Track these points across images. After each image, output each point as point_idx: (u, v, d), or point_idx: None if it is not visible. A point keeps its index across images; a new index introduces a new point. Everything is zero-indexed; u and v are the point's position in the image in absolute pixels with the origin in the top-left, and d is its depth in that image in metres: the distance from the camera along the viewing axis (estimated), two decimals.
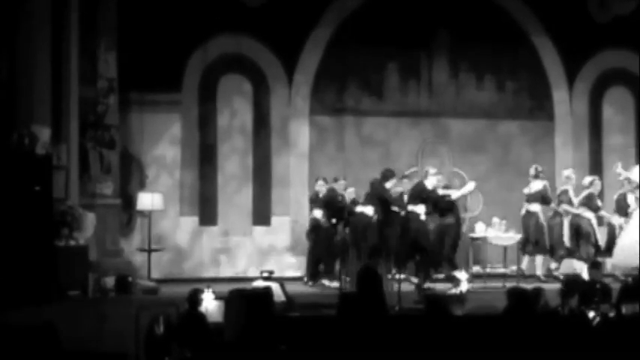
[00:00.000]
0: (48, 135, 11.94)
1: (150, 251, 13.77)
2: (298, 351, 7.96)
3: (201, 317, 9.20)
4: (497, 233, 13.96)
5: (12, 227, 11.16)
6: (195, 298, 9.44)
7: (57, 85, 12.57)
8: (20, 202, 11.27)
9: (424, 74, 15.66)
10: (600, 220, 14.43)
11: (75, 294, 11.82)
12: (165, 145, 14.82)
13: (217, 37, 14.95)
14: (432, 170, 14.20)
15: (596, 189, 14.42)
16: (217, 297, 10.00)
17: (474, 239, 14.18)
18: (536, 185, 14.35)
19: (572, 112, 16.02)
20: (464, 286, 12.10)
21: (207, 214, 14.88)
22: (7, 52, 12.04)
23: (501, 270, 13.87)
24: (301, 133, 15.28)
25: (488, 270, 13.83)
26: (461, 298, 11.71)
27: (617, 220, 14.32)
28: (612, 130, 16.19)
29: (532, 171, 14.45)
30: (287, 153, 15.22)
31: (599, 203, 14.42)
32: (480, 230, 14.08)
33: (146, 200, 14.02)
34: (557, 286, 10.36)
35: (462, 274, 12.45)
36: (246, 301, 8.64)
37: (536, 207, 14.27)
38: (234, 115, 15.18)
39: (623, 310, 9.23)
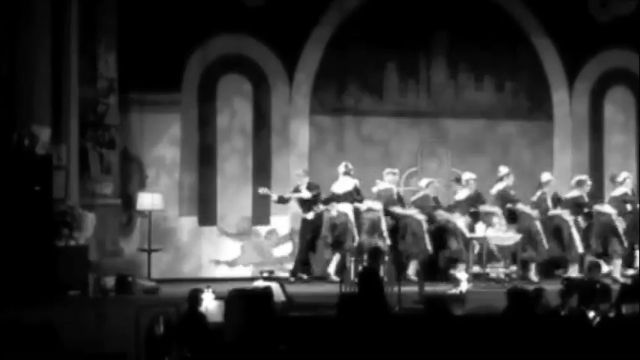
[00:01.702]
0: (48, 135, 11.95)
1: (150, 251, 13.77)
2: (298, 351, 7.96)
3: (201, 317, 9.20)
4: (497, 233, 13.95)
5: (12, 227, 11.17)
6: (195, 298, 9.44)
7: (57, 85, 12.57)
8: (20, 202, 11.28)
9: (423, 74, 15.66)
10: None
11: (75, 294, 11.82)
12: (164, 145, 14.82)
13: (217, 37, 14.95)
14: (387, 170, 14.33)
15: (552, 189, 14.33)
16: (217, 297, 10.00)
17: (474, 239, 14.17)
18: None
19: (571, 113, 16.03)
20: (464, 286, 12.11)
21: (207, 214, 14.88)
22: (7, 52, 12.04)
23: (501, 270, 13.87)
24: (301, 132, 15.29)
25: (488, 270, 13.81)
26: (461, 298, 11.72)
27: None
28: (613, 130, 16.19)
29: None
30: (287, 153, 15.22)
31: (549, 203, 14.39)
32: (479, 230, 14.08)
33: (146, 200, 14.02)
34: (557, 286, 10.35)
35: (462, 274, 12.45)
36: (246, 301, 8.63)
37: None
38: (234, 115, 15.18)
39: (623, 310, 9.23)
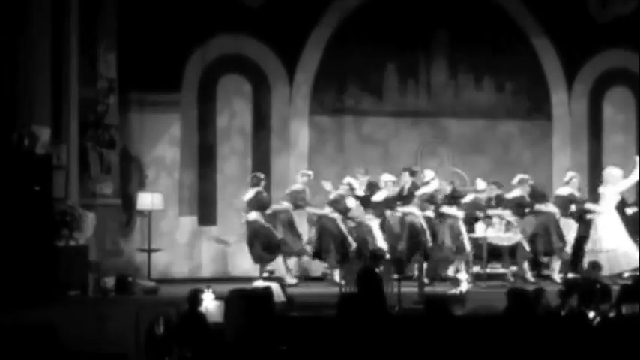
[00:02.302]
0: (48, 135, 11.94)
1: (150, 251, 13.77)
2: (298, 351, 7.96)
3: (201, 317, 9.20)
4: (497, 233, 13.95)
5: (12, 227, 11.16)
6: (195, 298, 9.45)
7: (57, 85, 12.57)
8: (20, 202, 11.27)
9: (423, 75, 15.67)
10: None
11: (75, 294, 11.82)
12: (164, 146, 14.82)
13: (217, 37, 14.96)
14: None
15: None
16: (217, 297, 10.00)
17: (473, 239, 14.17)
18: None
19: (570, 113, 16.03)
20: (464, 286, 12.11)
21: (207, 215, 14.87)
22: (8, 53, 12.04)
23: (501, 270, 13.88)
24: (301, 133, 15.29)
25: (488, 270, 13.81)
26: (461, 298, 11.72)
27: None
28: (613, 131, 16.19)
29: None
30: (287, 153, 15.22)
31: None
32: (479, 230, 14.08)
33: (146, 200, 14.02)
34: (557, 286, 10.36)
35: (462, 274, 12.45)
36: (246, 301, 8.64)
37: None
38: (234, 115, 15.18)
39: (623, 310, 9.24)
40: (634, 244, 13.88)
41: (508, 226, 13.81)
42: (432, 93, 15.68)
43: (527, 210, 14.14)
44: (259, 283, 11.44)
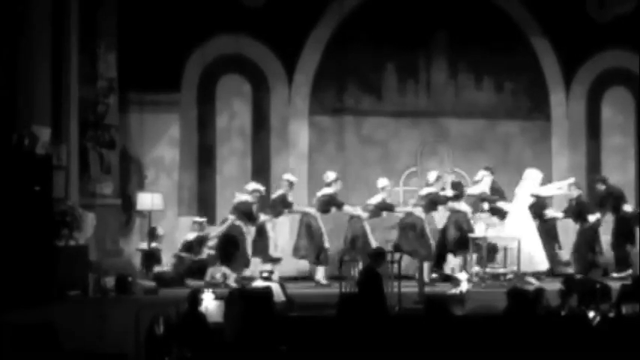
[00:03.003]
0: (48, 135, 11.93)
1: (150, 251, 13.77)
2: (298, 351, 7.97)
3: (201, 317, 9.20)
4: (497, 233, 13.95)
5: (12, 227, 11.15)
6: (195, 298, 9.45)
7: (57, 85, 12.56)
8: (20, 202, 11.26)
9: (423, 75, 15.66)
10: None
11: (75, 294, 11.81)
12: (164, 146, 14.82)
13: (217, 38, 14.96)
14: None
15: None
16: (217, 297, 10.01)
17: (473, 239, 14.17)
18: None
19: (568, 114, 16.03)
20: (464, 286, 12.11)
21: (206, 215, 14.86)
22: (8, 53, 12.03)
23: (501, 270, 13.87)
24: (301, 133, 15.29)
25: (488, 270, 13.80)
26: (461, 298, 11.71)
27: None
28: (611, 131, 16.18)
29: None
30: (286, 154, 15.22)
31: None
32: (479, 230, 14.08)
33: (146, 200, 14.01)
34: (557, 286, 10.35)
35: (462, 274, 12.45)
36: (246, 301, 8.65)
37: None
38: (234, 115, 15.18)
39: (623, 310, 9.23)
40: (542, 246, 13.88)
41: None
42: (431, 93, 15.67)
43: (439, 207, 14.15)
44: (259, 283, 11.43)
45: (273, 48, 15.10)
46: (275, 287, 10.89)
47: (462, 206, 14.22)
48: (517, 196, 14.11)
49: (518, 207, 13.97)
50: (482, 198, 14.24)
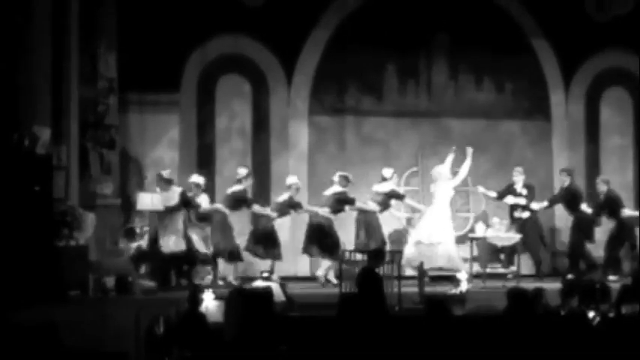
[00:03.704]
0: (48, 135, 11.95)
1: (150, 251, 13.76)
2: (298, 351, 7.96)
3: (201, 317, 9.20)
4: (497, 233, 13.96)
5: (12, 227, 11.16)
6: (195, 298, 9.45)
7: (57, 85, 12.58)
8: (20, 202, 11.27)
9: (423, 76, 15.67)
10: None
11: (75, 294, 11.82)
12: (163, 146, 14.82)
13: (216, 38, 14.96)
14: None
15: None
16: (217, 297, 10.00)
17: (473, 239, 14.18)
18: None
19: (568, 114, 16.04)
20: (464, 286, 12.11)
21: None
22: (8, 53, 12.04)
23: (501, 270, 13.89)
24: (300, 134, 15.29)
25: (488, 270, 13.82)
26: (461, 298, 11.72)
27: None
28: (610, 132, 16.19)
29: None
30: (286, 154, 15.22)
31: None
32: (479, 230, 14.09)
33: (146, 200, 14.00)
34: (557, 285, 10.36)
35: (462, 274, 12.46)
36: (246, 301, 8.64)
37: None
38: (233, 115, 15.18)
39: (623, 310, 9.23)
40: (455, 245, 13.97)
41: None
42: (432, 93, 15.69)
43: (346, 207, 14.11)
44: (259, 283, 11.43)
45: (273, 48, 15.11)
46: (275, 287, 10.89)
47: (370, 206, 14.12)
48: (435, 194, 14.14)
49: (437, 203, 13.96)
50: (390, 195, 14.20)
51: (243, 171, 14.10)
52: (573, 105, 16.05)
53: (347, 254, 12.84)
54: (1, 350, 7.92)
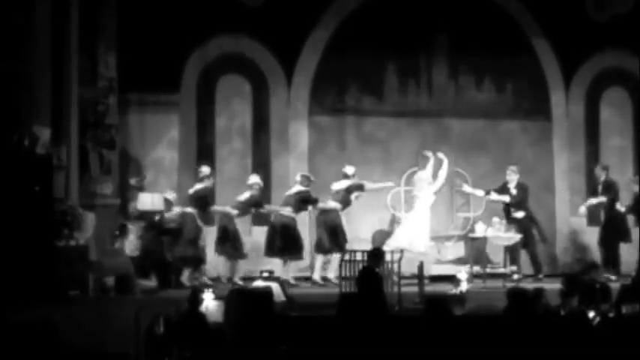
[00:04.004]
0: (48, 135, 11.95)
1: (150, 251, 13.76)
2: (298, 351, 7.96)
3: (201, 317, 9.19)
4: (497, 233, 13.96)
5: (12, 227, 11.17)
6: (195, 298, 9.45)
7: (57, 85, 12.58)
8: (20, 202, 11.27)
9: (424, 76, 15.66)
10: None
11: (75, 294, 11.83)
12: (163, 147, 14.81)
13: (216, 38, 14.95)
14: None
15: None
16: (217, 297, 10.00)
17: (473, 239, 14.18)
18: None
19: (568, 114, 16.03)
20: (464, 286, 12.11)
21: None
22: (8, 53, 12.04)
23: (501, 270, 13.89)
24: (301, 134, 15.28)
25: (488, 270, 13.82)
26: (461, 298, 11.72)
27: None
28: (609, 132, 16.18)
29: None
30: (286, 154, 15.21)
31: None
32: (479, 230, 14.08)
33: (146, 200, 14.00)
34: (557, 285, 10.35)
35: (462, 274, 12.46)
36: (246, 301, 8.64)
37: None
38: (234, 115, 15.17)
39: (623, 310, 9.23)
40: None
41: None
42: (432, 93, 15.67)
43: (309, 206, 14.09)
44: (259, 283, 11.43)
45: (273, 48, 15.10)
46: (275, 287, 10.89)
47: (331, 204, 14.09)
48: (417, 198, 14.16)
49: (417, 212, 14.00)
50: (349, 190, 14.18)
51: (206, 169, 14.04)
52: (574, 105, 16.04)
53: (347, 254, 12.85)
54: (1, 349, 7.93)
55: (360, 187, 14.33)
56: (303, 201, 14.10)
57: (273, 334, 8.12)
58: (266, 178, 14.89)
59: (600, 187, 14.82)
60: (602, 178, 14.83)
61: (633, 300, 9.33)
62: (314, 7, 15.14)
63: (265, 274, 11.99)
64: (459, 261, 14.63)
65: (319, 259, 14.12)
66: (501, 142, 15.76)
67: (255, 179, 14.13)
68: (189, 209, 13.93)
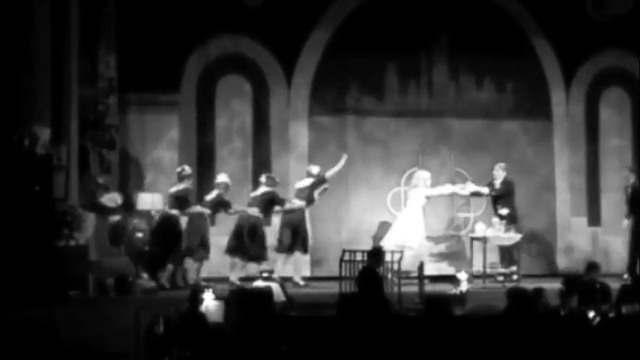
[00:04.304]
0: (48, 135, 11.95)
1: (150, 251, 13.77)
2: (298, 351, 7.96)
3: (201, 317, 9.19)
4: (497, 233, 13.96)
5: (12, 227, 11.17)
6: (195, 298, 9.45)
7: (57, 85, 12.58)
8: (20, 202, 11.27)
9: (424, 76, 15.66)
10: None
11: (75, 294, 11.83)
12: (163, 147, 14.81)
13: (216, 38, 14.96)
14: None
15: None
16: (217, 297, 10.00)
17: (474, 239, 14.18)
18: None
19: (569, 113, 16.03)
20: (464, 286, 12.11)
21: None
22: (8, 53, 12.04)
23: (501, 270, 13.89)
24: (301, 134, 15.28)
25: (488, 270, 13.81)
26: (461, 298, 11.71)
27: None
28: (609, 132, 16.18)
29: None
30: (287, 154, 15.21)
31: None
32: (479, 230, 14.08)
33: (146, 200, 14.00)
34: (557, 285, 10.36)
35: (462, 274, 12.45)
36: (246, 301, 8.63)
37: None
38: (234, 116, 15.17)
39: (623, 310, 9.23)
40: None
41: None
42: (433, 93, 15.68)
43: (276, 207, 14.04)
44: (259, 283, 11.43)
45: (273, 49, 15.10)
46: (275, 287, 10.88)
47: (297, 204, 14.04)
48: (409, 197, 14.16)
49: (411, 207, 13.99)
50: (313, 187, 14.09)
51: (188, 169, 13.88)
52: (574, 104, 16.05)
53: (347, 254, 12.85)
54: (1, 349, 7.93)
55: (322, 181, 14.18)
56: (269, 202, 13.99)
57: (273, 334, 8.12)
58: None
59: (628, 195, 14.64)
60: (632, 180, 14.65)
61: (633, 300, 9.34)
62: (314, 7, 15.14)
63: (265, 274, 11.98)
64: (452, 256, 14.63)
65: (280, 258, 14.01)
66: (502, 142, 15.76)
67: (222, 178, 13.94)
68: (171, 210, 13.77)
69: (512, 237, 13.99)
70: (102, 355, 9.24)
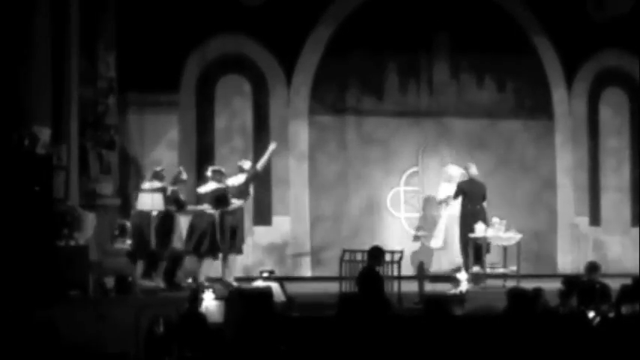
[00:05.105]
0: (48, 135, 11.95)
1: (151, 252, 13.75)
2: (298, 351, 7.97)
3: (201, 317, 9.20)
4: (497, 233, 13.94)
5: (12, 227, 11.17)
6: (195, 298, 9.45)
7: (57, 85, 12.58)
8: (20, 202, 11.27)
9: (424, 75, 15.66)
10: None
11: (75, 294, 11.82)
12: (163, 147, 14.81)
13: (216, 38, 14.95)
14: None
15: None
16: (217, 297, 10.01)
17: (473, 239, 14.16)
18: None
19: (570, 112, 16.03)
20: (464, 286, 12.11)
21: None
22: (8, 53, 12.04)
23: (501, 270, 13.87)
24: (301, 133, 15.28)
25: (488, 270, 13.80)
26: (461, 298, 11.72)
27: None
28: (608, 132, 16.18)
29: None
30: (286, 154, 15.21)
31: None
32: (479, 230, 14.07)
33: (146, 200, 13.98)
34: (557, 285, 10.36)
35: (462, 274, 12.45)
36: (246, 301, 8.64)
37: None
38: (234, 115, 15.17)
39: (623, 310, 9.23)
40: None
41: None
42: (433, 92, 15.68)
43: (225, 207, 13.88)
44: (259, 283, 11.43)
45: (273, 48, 15.10)
46: (275, 287, 10.89)
47: (237, 203, 13.70)
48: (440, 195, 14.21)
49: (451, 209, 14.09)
50: (247, 182, 13.86)
51: (185, 175, 13.77)
52: (575, 103, 16.05)
53: (347, 254, 12.85)
54: (1, 349, 7.93)
55: (256, 175, 13.94)
56: (219, 200, 13.74)
57: (273, 334, 8.12)
58: (266, 177, 14.89)
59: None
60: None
61: (633, 300, 9.33)
62: (314, 6, 15.15)
63: (265, 274, 11.99)
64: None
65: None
66: (503, 140, 15.76)
67: (185, 175, 13.77)
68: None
69: (512, 237, 13.97)
70: (102, 355, 9.25)
